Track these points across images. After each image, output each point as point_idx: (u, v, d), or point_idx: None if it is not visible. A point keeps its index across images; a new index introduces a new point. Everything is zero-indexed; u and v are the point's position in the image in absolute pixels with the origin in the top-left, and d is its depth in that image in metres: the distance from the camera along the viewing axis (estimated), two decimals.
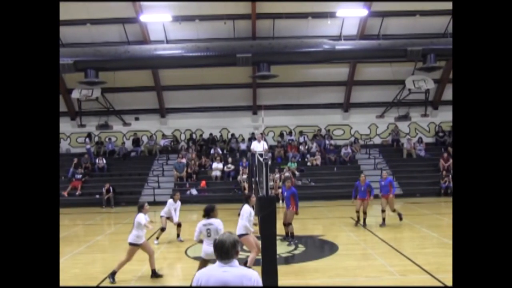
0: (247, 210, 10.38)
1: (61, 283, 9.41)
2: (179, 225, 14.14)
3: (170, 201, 14.08)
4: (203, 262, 8.41)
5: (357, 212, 15.68)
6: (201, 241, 8.62)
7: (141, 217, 9.90)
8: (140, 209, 10.23)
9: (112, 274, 9.54)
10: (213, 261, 7.95)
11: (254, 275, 4.02)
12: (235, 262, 4.07)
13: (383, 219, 15.49)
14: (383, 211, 15.60)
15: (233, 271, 3.99)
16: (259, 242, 9.19)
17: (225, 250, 4.01)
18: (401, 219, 15.44)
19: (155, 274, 9.96)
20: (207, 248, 8.23)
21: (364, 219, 15.54)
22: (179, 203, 14.17)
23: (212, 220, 8.53)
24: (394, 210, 15.48)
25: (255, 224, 10.80)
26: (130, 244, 9.82)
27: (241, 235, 10.06)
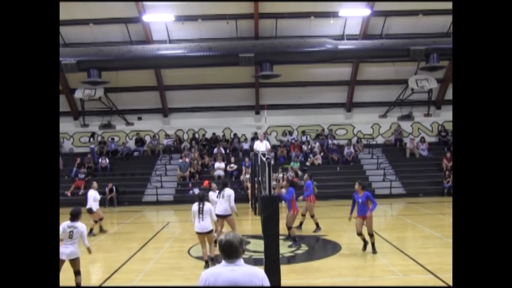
0: (231, 193, 12.17)
1: (65, 283, 9.43)
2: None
3: (211, 193, 13.54)
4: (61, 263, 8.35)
5: (360, 234, 11.78)
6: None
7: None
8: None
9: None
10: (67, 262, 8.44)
11: (262, 273, 4.07)
12: (241, 261, 4.09)
13: (364, 243, 11.88)
14: (359, 234, 11.75)
15: (241, 270, 4.02)
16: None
17: (233, 250, 4.04)
18: (365, 248, 11.83)
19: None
20: (64, 249, 8.43)
21: (373, 244, 11.73)
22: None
23: (77, 224, 8.63)
24: (371, 235, 11.65)
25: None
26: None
27: (227, 215, 12.24)
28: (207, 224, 10.41)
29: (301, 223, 15.07)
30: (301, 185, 15.62)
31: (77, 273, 8.76)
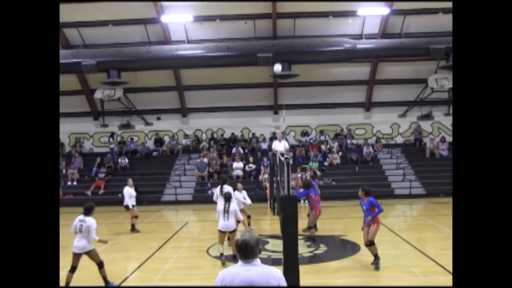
0: (231, 189, 12.59)
1: (84, 282, 9.56)
2: (249, 216, 14.79)
3: (236, 192, 13.94)
4: (75, 257, 9.04)
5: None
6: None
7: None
8: None
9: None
10: (78, 256, 8.94)
11: (278, 273, 4.05)
12: (258, 260, 4.08)
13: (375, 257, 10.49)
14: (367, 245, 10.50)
15: (257, 270, 4.01)
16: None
17: (250, 250, 4.03)
18: (376, 263, 10.37)
19: None
20: (76, 243, 9.03)
21: (375, 256, 10.42)
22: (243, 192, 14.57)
23: (87, 218, 9.05)
24: (370, 244, 10.40)
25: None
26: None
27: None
28: (231, 223, 10.83)
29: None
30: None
31: (99, 265, 9.11)
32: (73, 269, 9.01)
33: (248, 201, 14.31)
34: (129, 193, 15.78)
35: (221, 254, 11.02)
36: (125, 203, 15.63)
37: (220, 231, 10.97)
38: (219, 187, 12.67)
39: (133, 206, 15.71)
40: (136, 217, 15.84)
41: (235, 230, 10.91)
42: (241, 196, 13.87)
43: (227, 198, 10.97)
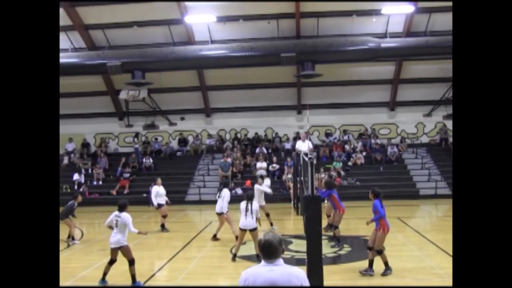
0: (227, 193, 13.43)
1: (110, 279, 9.67)
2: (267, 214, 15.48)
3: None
4: (112, 251, 9.53)
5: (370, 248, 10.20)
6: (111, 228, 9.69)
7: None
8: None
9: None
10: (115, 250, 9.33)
11: (301, 273, 4.02)
12: (281, 260, 4.05)
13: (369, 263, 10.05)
14: (369, 248, 10.12)
15: (280, 270, 3.98)
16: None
17: (272, 249, 4.01)
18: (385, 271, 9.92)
19: None
20: (111, 238, 9.45)
21: (370, 262, 10.02)
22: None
23: (122, 214, 9.43)
24: (378, 252, 9.91)
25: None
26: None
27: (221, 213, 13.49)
28: (251, 222, 11.13)
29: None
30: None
31: (130, 262, 9.38)
32: (111, 261, 9.54)
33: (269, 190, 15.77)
34: (156, 191, 15.94)
35: (234, 255, 11.45)
36: (153, 202, 15.88)
37: (241, 229, 11.31)
38: (244, 202, 11.66)
39: (160, 205, 15.85)
40: (165, 216, 15.97)
41: (255, 229, 11.17)
42: (263, 186, 15.28)
43: (249, 197, 11.31)
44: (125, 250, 9.45)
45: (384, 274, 9.78)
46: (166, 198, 16.23)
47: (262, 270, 4.02)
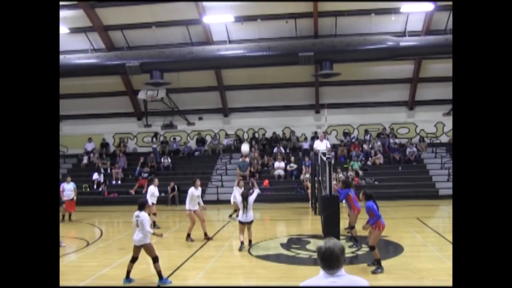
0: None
1: (118, 279, 9.74)
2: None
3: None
4: (135, 249, 9.75)
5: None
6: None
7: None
8: None
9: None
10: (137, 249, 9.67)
11: (366, 283, 3.72)
12: (342, 270, 3.68)
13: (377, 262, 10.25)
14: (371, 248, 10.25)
15: (342, 281, 3.63)
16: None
17: (334, 258, 3.63)
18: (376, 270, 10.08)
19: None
20: (134, 237, 9.72)
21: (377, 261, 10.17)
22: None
23: (141, 214, 9.64)
24: (371, 248, 10.24)
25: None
26: None
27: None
28: (249, 216, 12.51)
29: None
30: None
31: (154, 260, 9.52)
32: (133, 259, 9.70)
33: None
34: (151, 192, 16.64)
35: (242, 243, 12.54)
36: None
37: (241, 222, 12.65)
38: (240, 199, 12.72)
39: (152, 204, 16.28)
40: (155, 214, 16.48)
41: (252, 221, 12.73)
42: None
43: (245, 197, 12.50)
44: (148, 248, 9.56)
45: (374, 272, 9.88)
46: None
47: (323, 283, 3.63)
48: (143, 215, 9.59)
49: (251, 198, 12.64)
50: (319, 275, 3.69)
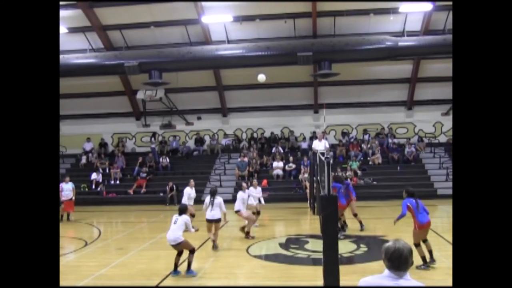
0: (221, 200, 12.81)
1: (128, 278, 9.74)
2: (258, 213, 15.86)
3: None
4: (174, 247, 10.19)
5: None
6: None
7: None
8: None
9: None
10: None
11: None
12: (408, 274, 3.58)
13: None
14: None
15: (408, 285, 3.55)
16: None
17: (403, 260, 3.52)
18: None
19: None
20: (169, 235, 10.15)
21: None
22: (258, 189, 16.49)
23: (182, 216, 10.18)
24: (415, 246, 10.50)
25: None
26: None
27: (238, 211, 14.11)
28: (215, 214, 12.40)
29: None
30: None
31: (191, 251, 10.15)
32: (179, 253, 10.17)
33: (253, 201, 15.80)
34: (188, 193, 16.05)
35: (213, 241, 12.62)
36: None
37: (207, 220, 12.57)
38: (208, 197, 12.79)
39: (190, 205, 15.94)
40: (193, 215, 15.93)
41: (219, 220, 12.55)
42: (255, 192, 15.72)
43: (213, 193, 12.55)
44: (184, 244, 10.03)
45: (418, 267, 10.05)
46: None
47: (386, 283, 3.53)
48: (185, 217, 10.12)
49: (218, 201, 12.46)
50: (383, 274, 3.60)
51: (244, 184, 15.15)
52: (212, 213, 12.41)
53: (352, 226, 14.93)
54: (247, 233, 14.07)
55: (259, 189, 16.53)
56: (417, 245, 10.24)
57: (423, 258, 10.23)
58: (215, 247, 12.48)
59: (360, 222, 14.62)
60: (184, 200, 15.66)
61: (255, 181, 16.61)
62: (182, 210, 10.35)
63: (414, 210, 10.37)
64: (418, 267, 10.04)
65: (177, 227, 10.03)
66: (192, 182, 16.56)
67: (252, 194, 15.52)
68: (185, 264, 10.15)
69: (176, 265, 10.07)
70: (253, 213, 15.10)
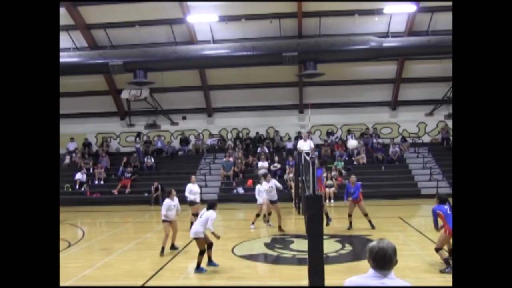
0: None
1: (112, 279, 9.69)
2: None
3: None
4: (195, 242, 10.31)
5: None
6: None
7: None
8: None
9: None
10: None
11: None
12: (393, 273, 3.61)
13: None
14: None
15: (392, 283, 3.58)
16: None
17: (387, 260, 3.55)
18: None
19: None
20: (193, 228, 10.46)
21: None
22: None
23: (208, 212, 10.23)
24: (436, 250, 10.76)
25: None
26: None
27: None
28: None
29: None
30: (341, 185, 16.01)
31: (208, 246, 10.45)
32: (201, 252, 10.26)
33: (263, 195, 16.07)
34: (189, 189, 15.80)
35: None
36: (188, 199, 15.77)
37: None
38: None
39: (192, 202, 15.67)
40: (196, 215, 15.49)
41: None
42: (267, 186, 15.68)
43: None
44: (199, 242, 10.21)
45: (442, 271, 9.98)
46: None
47: (372, 282, 3.56)
48: (210, 213, 10.18)
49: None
50: (367, 274, 3.63)
51: (269, 175, 15.99)
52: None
53: (337, 226, 15.03)
54: (279, 227, 15.10)
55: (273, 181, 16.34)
56: (438, 249, 10.24)
57: (446, 261, 10.07)
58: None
59: (350, 223, 14.99)
60: (186, 195, 15.80)
61: (269, 176, 16.35)
62: (210, 206, 10.38)
63: (445, 216, 10.19)
64: (442, 271, 9.95)
65: (200, 222, 10.15)
66: (193, 178, 16.41)
67: (277, 185, 16.08)
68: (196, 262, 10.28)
69: (198, 264, 10.26)
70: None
